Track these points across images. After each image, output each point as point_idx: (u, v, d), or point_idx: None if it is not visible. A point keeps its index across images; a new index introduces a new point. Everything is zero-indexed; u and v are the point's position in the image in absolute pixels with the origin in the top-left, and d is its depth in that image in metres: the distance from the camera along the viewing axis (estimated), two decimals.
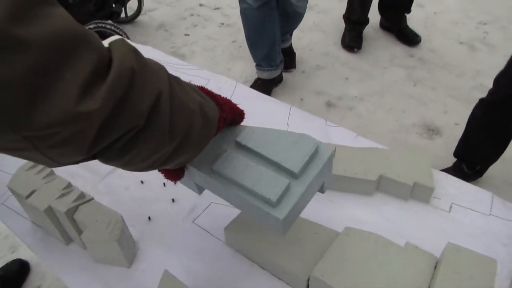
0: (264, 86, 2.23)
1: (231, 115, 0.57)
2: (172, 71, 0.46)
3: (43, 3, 0.32)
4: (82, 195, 0.76)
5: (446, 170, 1.05)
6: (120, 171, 0.93)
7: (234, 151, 0.57)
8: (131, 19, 3.06)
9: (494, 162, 1.74)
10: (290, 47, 2.47)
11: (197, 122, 0.48)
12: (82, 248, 0.79)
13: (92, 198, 0.77)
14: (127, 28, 2.89)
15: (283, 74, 2.38)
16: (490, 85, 1.56)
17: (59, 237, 0.80)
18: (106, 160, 0.43)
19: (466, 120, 1.72)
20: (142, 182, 0.91)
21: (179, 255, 0.77)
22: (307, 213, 0.59)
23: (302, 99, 2.32)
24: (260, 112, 0.87)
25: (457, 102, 2.25)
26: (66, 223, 0.75)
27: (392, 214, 0.81)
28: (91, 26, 2.30)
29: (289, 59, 2.45)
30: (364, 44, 2.68)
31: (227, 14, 3.16)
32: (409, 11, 2.62)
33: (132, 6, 3.00)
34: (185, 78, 0.48)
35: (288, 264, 0.68)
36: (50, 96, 0.32)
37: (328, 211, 0.81)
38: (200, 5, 3.32)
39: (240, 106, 0.61)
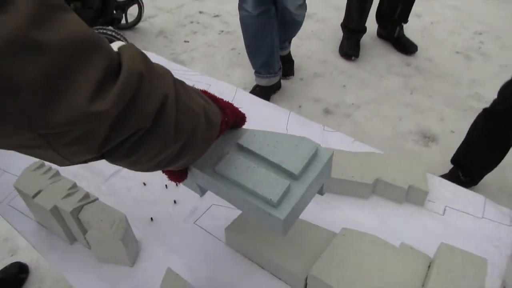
0: (263, 93, 2.26)
1: (233, 118, 0.59)
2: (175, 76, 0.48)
3: (58, 9, 0.34)
4: (87, 195, 0.78)
5: (442, 177, 1.06)
6: (123, 173, 0.96)
7: (236, 153, 0.59)
8: (131, 26, 3.09)
9: (490, 171, 1.75)
10: (289, 54, 2.50)
11: (200, 125, 0.49)
12: (86, 247, 0.81)
13: (97, 199, 0.79)
14: (127, 34, 2.92)
15: (282, 81, 2.41)
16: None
17: (64, 237, 0.81)
18: (113, 159, 0.44)
19: (462, 128, 1.74)
20: (144, 184, 0.93)
21: (180, 255, 0.79)
22: (305, 215, 0.61)
23: (300, 106, 2.35)
24: (260, 117, 0.89)
25: (453, 110, 2.29)
26: (71, 222, 0.77)
27: (387, 216, 0.83)
28: None
29: (287, 67, 2.48)
30: (362, 52, 2.72)
31: (226, 22, 3.20)
32: (406, 21, 2.66)
33: (132, 12, 3.03)
34: (187, 83, 0.50)
35: (287, 263, 0.70)
36: (64, 97, 0.34)
37: (326, 213, 0.84)
38: (200, 12, 3.36)
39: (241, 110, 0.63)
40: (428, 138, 2.14)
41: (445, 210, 0.84)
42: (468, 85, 2.46)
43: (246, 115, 0.63)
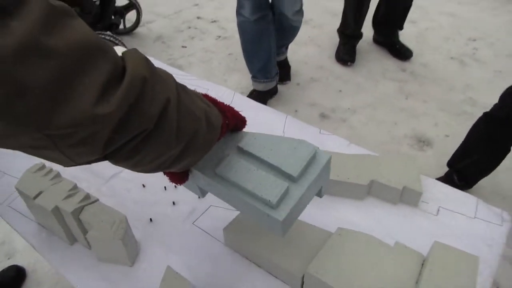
0: (260, 97, 2.28)
1: (233, 121, 0.60)
2: None
3: (66, 15, 0.35)
4: (87, 196, 0.80)
5: (437, 180, 1.07)
6: (123, 175, 0.97)
7: (236, 156, 0.60)
8: (129, 31, 3.12)
9: (486, 175, 1.77)
10: (286, 60, 2.53)
11: (202, 128, 0.51)
12: (86, 247, 0.82)
13: (97, 200, 0.81)
14: (125, 39, 2.94)
15: (278, 86, 2.44)
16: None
17: (64, 237, 0.83)
18: (116, 161, 0.45)
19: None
20: (143, 185, 0.95)
21: (179, 255, 0.81)
22: (302, 215, 0.62)
23: (296, 111, 2.37)
24: (257, 121, 0.91)
25: (448, 115, 2.32)
26: (72, 223, 0.78)
27: (382, 216, 0.85)
28: None
29: (284, 72, 2.51)
30: (358, 58, 2.75)
31: (224, 27, 3.22)
32: (401, 27, 2.70)
33: (130, 18, 3.06)
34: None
35: (284, 262, 0.72)
36: (70, 99, 0.35)
37: (322, 213, 0.85)
38: (198, 18, 3.39)
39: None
40: (423, 142, 2.17)
41: (438, 210, 0.85)
42: (462, 90, 2.49)
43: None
